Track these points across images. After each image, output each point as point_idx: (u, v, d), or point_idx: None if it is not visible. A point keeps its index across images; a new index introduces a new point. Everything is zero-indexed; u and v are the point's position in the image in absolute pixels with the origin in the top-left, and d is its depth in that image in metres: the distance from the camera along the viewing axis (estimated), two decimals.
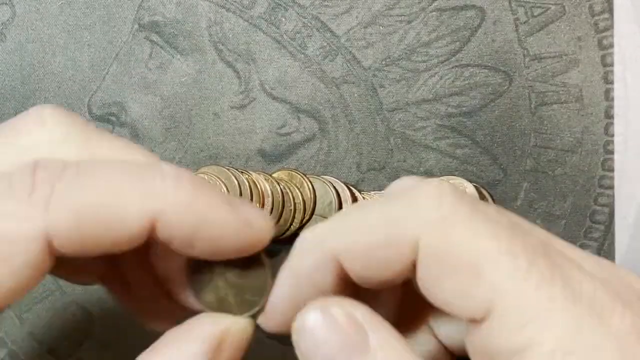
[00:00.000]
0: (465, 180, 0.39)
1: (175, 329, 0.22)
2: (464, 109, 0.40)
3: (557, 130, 0.39)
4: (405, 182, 0.24)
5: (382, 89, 0.40)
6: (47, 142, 0.22)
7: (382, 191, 0.40)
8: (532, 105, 0.39)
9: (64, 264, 0.23)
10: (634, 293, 0.21)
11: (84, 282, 0.27)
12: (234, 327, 0.22)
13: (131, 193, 0.20)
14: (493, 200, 0.39)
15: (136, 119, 0.40)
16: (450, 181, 0.39)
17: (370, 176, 0.40)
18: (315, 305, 0.21)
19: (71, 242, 0.20)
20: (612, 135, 0.39)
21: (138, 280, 0.26)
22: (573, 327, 0.19)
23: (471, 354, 0.22)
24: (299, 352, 0.21)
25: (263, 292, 0.22)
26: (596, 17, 0.39)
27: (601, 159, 0.39)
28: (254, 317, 0.23)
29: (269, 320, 0.23)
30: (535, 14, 0.39)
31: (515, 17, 0.39)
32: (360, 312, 0.21)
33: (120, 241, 0.21)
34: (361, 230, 0.21)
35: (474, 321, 0.20)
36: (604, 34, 0.39)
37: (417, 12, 0.39)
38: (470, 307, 0.20)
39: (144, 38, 0.40)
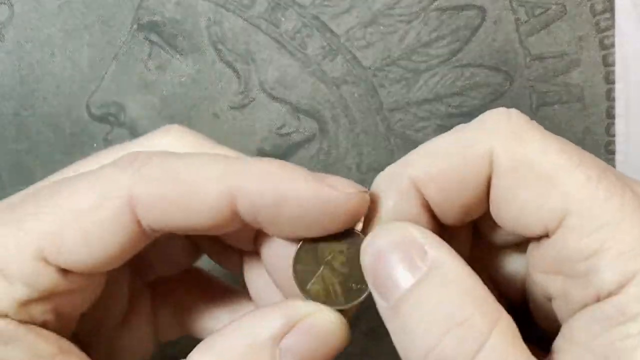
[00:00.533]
0: None
1: (270, 304, 0.23)
2: (465, 109, 0.39)
3: (558, 130, 0.39)
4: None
5: (382, 89, 0.40)
6: (167, 145, 0.25)
7: None
8: (533, 106, 0.39)
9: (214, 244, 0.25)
10: None
11: (231, 268, 0.28)
12: (319, 314, 0.22)
13: (213, 169, 0.22)
14: None
15: (135, 119, 0.40)
16: None
17: (370, 176, 0.40)
18: (379, 227, 0.22)
19: (154, 209, 0.22)
20: (614, 136, 0.39)
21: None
22: None
23: (537, 278, 0.22)
24: (364, 269, 0.22)
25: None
26: (597, 17, 0.39)
27: (602, 159, 0.39)
28: (359, 305, 0.23)
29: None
30: (536, 13, 0.39)
31: (516, 16, 0.39)
32: (418, 231, 0.22)
33: (202, 215, 0.22)
34: (437, 155, 0.22)
35: (544, 235, 0.21)
36: (605, 33, 0.39)
37: (417, 11, 0.39)
38: (544, 217, 0.21)
39: (143, 38, 0.40)
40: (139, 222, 0.22)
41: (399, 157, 0.40)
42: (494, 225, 0.24)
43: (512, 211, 0.22)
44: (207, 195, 0.22)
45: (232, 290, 0.30)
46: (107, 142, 0.40)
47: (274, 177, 0.22)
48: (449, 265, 0.21)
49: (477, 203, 0.23)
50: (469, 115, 0.39)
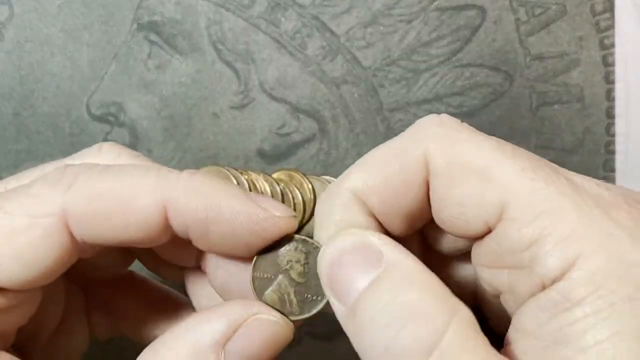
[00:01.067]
0: None
1: (212, 307, 0.23)
2: (465, 109, 0.39)
3: (558, 130, 0.39)
4: None
5: (382, 89, 0.39)
6: (99, 161, 0.24)
7: None
8: (533, 106, 0.39)
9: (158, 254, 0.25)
10: (638, 200, 0.21)
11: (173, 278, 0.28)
12: (261, 315, 0.22)
13: (144, 182, 0.22)
14: None
15: (135, 119, 0.40)
16: None
17: None
18: (335, 235, 0.22)
19: (87, 224, 0.22)
20: (614, 135, 0.39)
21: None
22: (584, 217, 0.20)
23: (481, 270, 0.23)
24: (322, 275, 0.22)
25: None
26: (597, 17, 0.39)
27: (602, 160, 0.39)
28: (315, 317, 0.23)
29: None
30: (536, 13, 0.39)
31: (516, 16, 0.39)
32: (375, 235, 0.22)
33: (135, 227, 0.22)
34: (373, 165, 0.23)
35: (486, 232, 0.21)
36: (605, 33, 0.39)
37: (417, 11, 0.39)
38: (483, 212, 0.21)
39: (143, 38, 0.40)
40: (72, 238, 0.22)
41: None
42: (439, 233, 0.24)
43: (451, 210, 0.22)
44: (139, 207, 0.22)
45: (169, 293, 0.30)
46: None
47: (207, 193, 0.22)
48: (405, 264, 0.21)
49: (420, 210, 0.23)
50: (469, 115, 0.39)
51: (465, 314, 0.20)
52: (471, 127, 0.23)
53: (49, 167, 0.25)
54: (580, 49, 0.39)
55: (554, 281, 0.20)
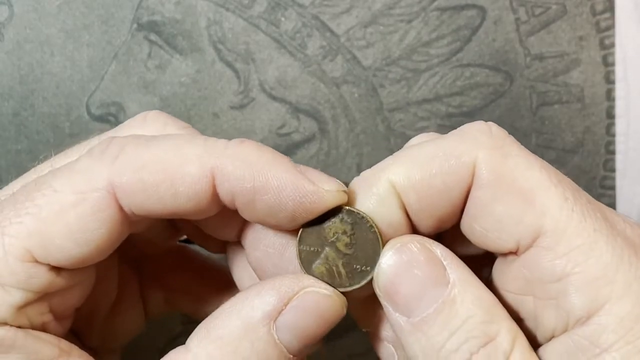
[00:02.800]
0: None
1: (263, 281, 0.23)
2: (465, 109, 0.39)
3: (558, 130, 0.39)
4: (427, 135, 0.25)
5: (382, 89, 0.39)
6: (145, 131, 0.24)
7: None
8: (533, 106, 0.39)
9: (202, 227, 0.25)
10: None
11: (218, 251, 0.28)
12: (312, 289, 0.22)
13: (191, 151, 0.22)
14: None
15: None
16: None
17: None
18: (394, 242, 0.22)
19: (135, 196, 0.22)
20: (614, 135, 0.39)
21: None
22: (616, 258, 0.20)
23: (504, 292, 0.23)
24: (378, 291, 0.22)
25: (374, 262, 0.22)
26: (597, 17, 0.39)
27: (603, 160, 0.39)
28: (366, 287, 0.23)
29: None
30: (536, 13, 0.39)
31: (516, 16, 0.39)
32: (438, 248, 0.22)
33: (183, 197, 0.22)
34: (419, 162, 0.22)
35: (512, 252, 0.21)
36: (605, 33, 0.39)
37: (417, 11, 0.39)
38: (519, 232, 0.21)
39: (143, 38, 0.40)
40: (122, 211, 0.22)
41: None
42: (458, 237, 0.24)
43: (486, 223, 0.22)
44: (186, 176, 0.22)
45: (221, 267, 0.30)
46: None
47: (255, 162, 0.22)
48: (471, 284, 0.21)
49: (452, 214, 0.23)
50: (469, 115, 0.39)
51: (523, 337, 0.21)
52: (516, 141, 0.23)
53: (95, 141, 0.25)
54: (580, 49, 0.39)
55: (580, 321, 0.20)
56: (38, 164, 0.26)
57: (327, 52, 0.39)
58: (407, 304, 0.21)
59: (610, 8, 0.39)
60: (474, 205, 0.22)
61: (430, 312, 0.21)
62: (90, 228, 0.22)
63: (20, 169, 0.40)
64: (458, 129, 0.23)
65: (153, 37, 0.40)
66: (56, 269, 0.23)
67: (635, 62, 0.39)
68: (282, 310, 0.22)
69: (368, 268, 0.23)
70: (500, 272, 0.23)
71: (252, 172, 0.22)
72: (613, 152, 0.39)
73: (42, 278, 0.22)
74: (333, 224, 0.23)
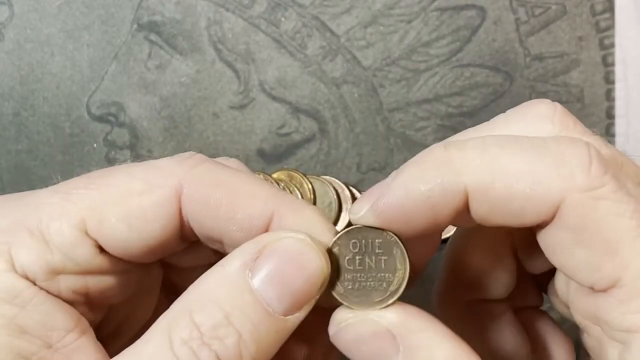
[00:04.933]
0: None
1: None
2: (465, 109, 0.39)
3: None
4: (542, 111, 0.24)
5: (382, 89, 0.39)
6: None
7: None
8: None
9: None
10: None
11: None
12: (287, 235, 0.22)
13: (260, 190, 0.23)
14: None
15: (135, 119, 0.40)
16: None
17: (370, 176, 0.40)
18: (339, 315, 0.22)
19: (197, 206, 0.22)
20: (614, 136, 0.39)
21: None
22: None
23: (574, 308, 0.22)
24: (338, 345, 0.22)
25: (395, 271, 0.22)
26: (597, 17, 0.39)
27: None
28: (390, 300, 0.22)
29: (379, 213, 0.22)
30: (536, 13, 0.39)
31: (516, 16, 0.39)
32: (386, 318, 0.22)
33: (236, 226, 0.22)
34: (505, 175, 0.21)
35: (592, 289, 0.21)
36: (605, 33, 0.39)
37: (417, 11, 0.39)
38: (595, 278, 0.21)
39: (143, 38, 0.40)
40: (180, 216, 0.23)
41: (399, 157, 0.40)
42: (534, 254, 0.24)
43: (562, 262, 0.21)
44: (249, 210, 0.22)
45: None
46: (107, 142, 0.40)
47: (306, 222, 0.22)
48: (426, 347, 0.21)
49: (526, 227, 0.22)
50: (469, 115, 0.39)
51: None
52: (616, 171, 0.21)
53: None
54: (580, 49, 0.39)
55: None
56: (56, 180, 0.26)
57: (327, 52, 0.39)
58: None
59: (610, 8, 0.39)
60: (553, 241, 0.21)
61: None
62: (148, 218, 0.22)
63: (20, 169, 0.40)
64: (556, 142, 0.21)
65: (153, 37, 0.40)
66: (102, 250, 0.23)
67: (635, 62, 0.39)
68: (256, 260, 0.21)
69: (390, 276, 0.22)
70: (575, 293, 0.23)
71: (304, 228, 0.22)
72: None
73: (86, 251, 0.22)
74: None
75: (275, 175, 0.39)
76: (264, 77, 0.40)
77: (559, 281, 0.24)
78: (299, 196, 0.39)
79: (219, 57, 0.40)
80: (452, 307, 0.26)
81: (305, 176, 0.39)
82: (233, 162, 0.25)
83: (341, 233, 0.22)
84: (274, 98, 0.40)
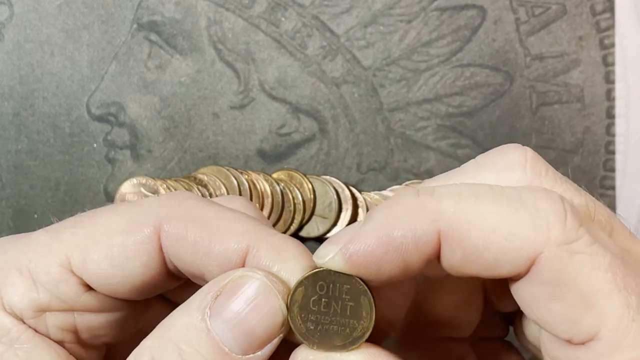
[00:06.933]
0: None
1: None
2: (465, 109, 0.39)
3: (558, 130, 0.39)
4: (515, 160, 0.24)
5: (382, 89, 0.39)
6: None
7: (382, 192, 0.39)
8: (533, 105, 0.39)
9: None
10: None
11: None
12: (247, 273, 0.22)
13: (237, 226, 0.23)
14: None
15: (135, 119, 0.40)
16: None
17: (370, 176, 0.40)
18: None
19: (175, 242, 0.23)
20: (614, 135, 0.39)
21: None
22: None
23: (548, 356, 0.22)
24: None
25: (360, 317, 0.22)
26: (597, 17, 0.39)
27: (602, 159, 0.39)
28: (356, 343, 0.22)
29: (354, 253, 0.21)
30: (536, 13, 0.39)
31: (516, 16, 0.39)
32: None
33: (212, 260, 0.23)
34: (481, 224, 0.21)
35: (569, 342, 0.21)
36: (605, 33, 0.39)
37: (417, 11, 0.39)
38: (572, 333, 0.21)
39: (143, 38, 0.40)
40: (161, 252, 0.23)
41: (399, 157, 0.40)
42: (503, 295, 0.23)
43: (539, 314, 0.21)
44: (224, 245, 0.22)
45: None
46: (107, 142, 0.40)
47: (286, 259, 0.22)
48: None
49: (499, 278, 0.22)
50: (469, 115, 0.39)
51: None
52: (590, 224, 0.21)
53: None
54: (580, 49, 0.39)
55: None
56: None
57: (327, 52, 0.39)
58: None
59: (610, 8, 0.39)
60: (528, 295, 0.21)
61: None
62: (129, 255, 0.23)
63: (20, 169, 0.40)
64: (530, 194, 0.21)
65: (153, 37, 0.40)
66: (89, 288, 0.23)
67: (635, 62, 0.39)
68: (215, 300, 0.22)
69: (354, 322, 0.22)
70: (551, 341, 0.22)
71: (288, 272, 0.22)
72: (613, 152, 0.39)
73: (72, 289, 0.23)
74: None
75: (275, 175, 0.39)
76: (264, 77, 0.40)
77: (530, 328, 0.24)
78: (299, 196, 0.39)
79: (219, 57, 0.40)
80: (415, 346, 0.26)
81: (305, 176, 0.39)
82: (238, 201, 0.26)
83: (308, 274, 0.22)
84: (274, 98, 0.40)
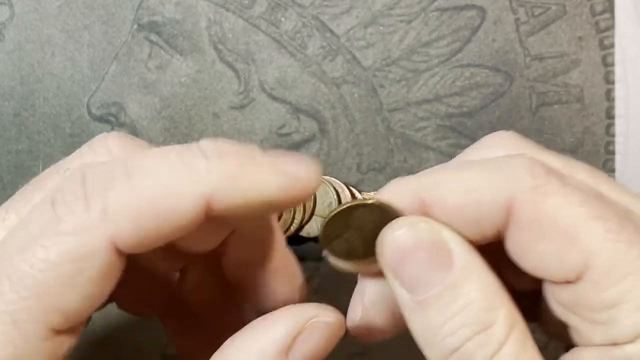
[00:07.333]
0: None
1: (263, 316, 0.24)
2: (465, 109, 0.39)
3: (558, 130, 0.39)
4: (494, 141, 0.25)
5: (382, 89, 0.40)
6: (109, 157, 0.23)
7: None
8: (533, 106, 0.39)
9: (127, 298, 0.25)
10: None
11: (144, 315, 0.29)
12: (322, 320, 0.23)
13: (180, 182, 0.21)
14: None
15: (135, 119, 0.40)
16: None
17: (370, 177, 0.40)
18: (404, 219, 0.23)
19: (135, 241, 0.21)
20: (614, 136, 0.39)
21: (200, 310, 0.28)
22: None
23: (555, 308, 0.23)
24: (383, 262, 0.23)
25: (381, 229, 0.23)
26: (597, 17, 0.39)
27: (602, 160, 0.39)
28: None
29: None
30: (535, 13, 0.39)
31: (516, 17, 0.39)
32: (446, 231, 0.22)
33: (180, 228, 0.22)
34: (456, 188, 0.22)
35: (565, 282, 0.22)
36: (605, 33, 0.39)
37: (417, 12, 0.39)
38: (564, 270, 0.21)
39: (144, 38, 0.40)
40: (121, 255, 0.21)
41: (399, 157, 0.40)
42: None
43: (530, 261, 0.22)
44: (183, 213, 0.21)
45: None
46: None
47: (243, 179, 0.22)
48: (475, 271, 0.22)
49: (490, 237, 0.23)
50: (469, 115, 0.39)
51: (522, 327, 0.21)
52: (559, 175, 0.22)
53: (49, 176, 0.24)
54: (580, 49, 0.39)
55: (627, 342, 0.21)
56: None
57: (327, 52, 0.40)
58: (411, 282, 0.22)
59: (609, 8, 0.39)
60: (515, 244, 0.22)
61: (432, 294, 0.22)
62: (101, 284, 0.21)
63: (20, 169, 0.40)
64: (499, 160, 0.23)
65: (153, 37, 0.40)
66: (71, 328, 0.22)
67: (635, 62, 0.39)
68: (293, 343, 0.23)
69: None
70: (551, 289, 0.23)
71: (244, 193, 0.22)
72: (613, 153, 0.39)
73: (67, 342, 0.22)
74: (362, 215, 0.24)
75: None
76: (264, 77, 0.40)
77: (551, 303, 0.24)
78: None
79: (219, 57, 0.40)
80: None
81: None
82: (117, 146, 0.25)
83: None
84: (274, 98, 0.40)
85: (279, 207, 0.23)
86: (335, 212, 0.24)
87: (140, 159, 0.22)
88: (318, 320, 0.23)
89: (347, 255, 0.24)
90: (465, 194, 0.22)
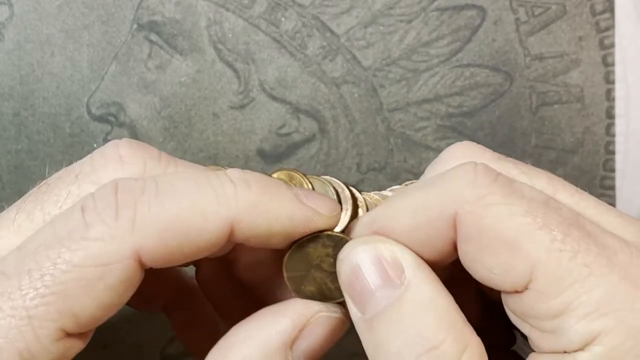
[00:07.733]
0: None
1: (269, 306, 0.24)
2: (465, 109, 0.39)
3: (558, 130, 0.39)
4: (451, 154, 0.26)
5: (382, 89, 0.40)
6: (122, 172, 0.24)
7: (382, 192, 0.39)
8: (533, 106, 0.39)
9: (133, 294, 0.25)
10: None
11: (150, 310, 0.29)
12: (326, 314, 0.24)
13: (207, 204, 0.22)
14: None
15: (135, 119, 0.40)
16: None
17: (370, 176, 0.40)
18: (359, 239, 0.23)
19: (158, 255, 0.22)
20: (614, 136, 0.39)
21: (204, 308, 0.29)
22: (609, 291, 0.20)
23: (510, 316, 0.23)
24: (340, 282, 0.23)
25: None
26: (597, 17, 0.39)
27: (602, 160, 0.39)
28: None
29: None
30: (536, 13, 0.39)
31: (516, 16, 0.39)
32: (397, 248, 0.23)
33: (203, 248, 0.22)
34: (403, 213, 0.23)
35: (515, 292, 0.22)
36: (605, 33, 0.39)
37: (417, 11, 0.39)
38: (510, 280, 0.22)
39: (143, 38, 0.40)
40: (142, 269, 0.22)
41: (399, 157, 0.40)
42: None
43: (479, 272, 0.22)
44: (208, 234, 0.22)
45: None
46: (108, 142, 0.40)
47: (267, 206, 0.23)
48: (425, 287, 0.22)
49: (446, 257, 0.23)
50: (469, 115, 0.39)
51: (476, 346, 0.21)
52: (506, 181, 0.22)
53: (65, 179, 0.24)
54: (580, 49, 0.39)
55: (577, 350, 0.21)
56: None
57: (327, 52, 0.39)
58: (361, 300, 0.22)
59: (610, 8, 0.39)
60: (464, 256, 0.22)
61: (379, 311, 0.22)
62: (119, 293, 0.22)
63: (20, 169, 0.40)
64: (444, 173, 0.23)
65: (153, 37, 0.40)
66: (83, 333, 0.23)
67: (635, 62, 0.39)
68: (297, 336, 0.23)
69: None
70: (504, 295, 0.23)
71: (268, 220, 0.23)
72: (613, 152, 0.39)
73: (76, 347, 0.22)
74: (315, 249, 0.24)
75: (275, 175, 0.39)
76: (264, 77, 0.40)
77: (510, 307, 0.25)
78: None
79: (219, 57, 0.40)
80: None
81: (305, 176, 0.39)
82: (128, 153, 0.25)
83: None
84: (274, 98, 0.40)
85: (293, 238, 0.24)
86: (288, 253, 0.24)
87: (170, 179, 0.23)
88: (323, 315, 0.23)
89: (323, 298, 0.24)
90: (412, 217, 0.23)
